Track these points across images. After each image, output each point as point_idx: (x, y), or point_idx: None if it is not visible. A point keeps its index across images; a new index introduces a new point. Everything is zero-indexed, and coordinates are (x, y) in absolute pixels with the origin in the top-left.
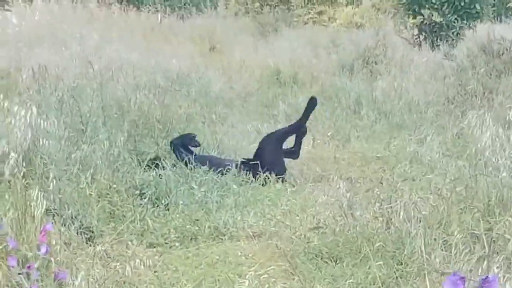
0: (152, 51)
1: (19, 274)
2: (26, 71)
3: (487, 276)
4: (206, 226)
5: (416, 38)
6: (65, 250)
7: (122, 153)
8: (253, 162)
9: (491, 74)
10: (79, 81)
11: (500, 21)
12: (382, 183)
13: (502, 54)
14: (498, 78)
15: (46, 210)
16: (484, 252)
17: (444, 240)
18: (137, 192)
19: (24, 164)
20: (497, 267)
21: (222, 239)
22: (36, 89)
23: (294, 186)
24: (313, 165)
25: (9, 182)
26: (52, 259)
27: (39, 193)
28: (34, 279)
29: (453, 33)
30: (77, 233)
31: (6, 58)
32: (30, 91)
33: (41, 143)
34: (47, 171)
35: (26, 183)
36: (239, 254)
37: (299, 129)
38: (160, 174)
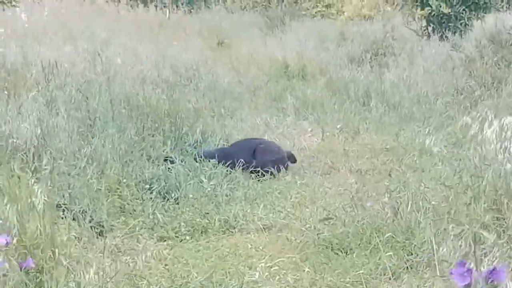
0: (160, 46)
1: None
2: (34, 66)
3: (495, 267)
4: (216, 219)
5: (424, 30)
6: (75, 245)
7: (131, 147)
8: None
9: (499, 64)
10: (87, 76)
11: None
12: (390, 175)
13: (511, 44)
14: (507, 68)
15: (56, 205)
16: (493, 242)
17: (453, 229)
18: (147, 186)
19: (34, 160)
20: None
21: (232, 232)
22: (45, 85)
23: (303, 179)
24: (322, 157)
25: (18, 177)
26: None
27: (41, 187)
28: None
29: (461, 24)
30: (88, 228)
31: (14, 54)
32: (39, 87)
33: (50, 138)
34: (56, 166)
35: (36, 178)
36: (249, 246)
37: None
38: (169, 168)
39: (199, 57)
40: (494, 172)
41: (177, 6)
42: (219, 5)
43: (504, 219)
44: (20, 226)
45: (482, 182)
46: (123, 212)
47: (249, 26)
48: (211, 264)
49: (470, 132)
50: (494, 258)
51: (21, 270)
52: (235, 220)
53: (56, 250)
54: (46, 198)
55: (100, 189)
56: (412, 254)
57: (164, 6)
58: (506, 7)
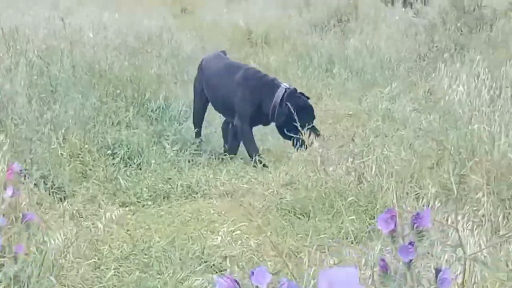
0: (123, 13)
1: None
2: None
3: (418, 212)
4: (179, 185)
5: None
6: (36, 211)
7: (94, 113)
8: None
9: (462, 31)
10: (49, 42)
11: None
12: (354, 140)
13: (474, 10)
14: (470, 34)
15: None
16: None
17: (417, 194)
18: (109, 152)
19: None
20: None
21: (194, 197)
22: (5, 51)
23: (266, 144)
24: None
25: None
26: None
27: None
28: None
29: None
30: (49, 193)
31: None
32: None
33: (10, 104)
34: (18, 131)
35: None
36: (212, 211)
37: None
38: (132, 133)
39: (162, 24)
40: (458, 135)
41: None
42: None
43: (466, 182)
44: None
45: (447, 145)
46: (85, 177)
47: None
48: (173, 229)
49: (434, 96)
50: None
51: (22, 222)
52: (198, 186)
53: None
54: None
55: (62, 154)
56: (374, 218)
57: None
58: None
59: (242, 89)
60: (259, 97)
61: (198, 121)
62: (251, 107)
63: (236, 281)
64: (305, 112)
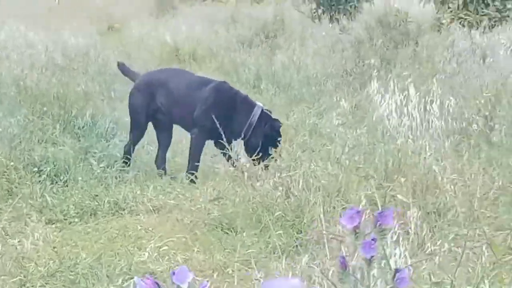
0: (50, 31)
1: None
2: None
3: (382, 211)
4: (106, 201)
5: (314, 12)
6: None
7: (20, 130)
8: None
9: (388, 46)
10: None
11: None
12: (280, 155)
13: (399, 25)
14: (396, 49)
15: None
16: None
17: (344, 208)
18: (36, 169)
19: None
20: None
21: (121, 213)
22: None
23: None
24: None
25: None
26: None
27: None
28: None
29: (350, 6)
30: None
31: None
32: None
33: None
34: None
35: None
36: (139, 228)
37: None
38: (59, 150)
39: (89, 42)
40: (385, 150)
41: None
42: None
43: (393, 197)
44: None
45: (373, 159)
46: (11, 195)
47: (140, 10)
48: (100, 246)
49: (361, 112)
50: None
51: None
52: (125, 202)
53: None
54: None
55: None
56: (301, 232)
57: None
58: None
59: (211, 101)
60: (231, 112)
61: (138, 138)
62: (217, 120)
63: (156, 282)
64: (278, 134)
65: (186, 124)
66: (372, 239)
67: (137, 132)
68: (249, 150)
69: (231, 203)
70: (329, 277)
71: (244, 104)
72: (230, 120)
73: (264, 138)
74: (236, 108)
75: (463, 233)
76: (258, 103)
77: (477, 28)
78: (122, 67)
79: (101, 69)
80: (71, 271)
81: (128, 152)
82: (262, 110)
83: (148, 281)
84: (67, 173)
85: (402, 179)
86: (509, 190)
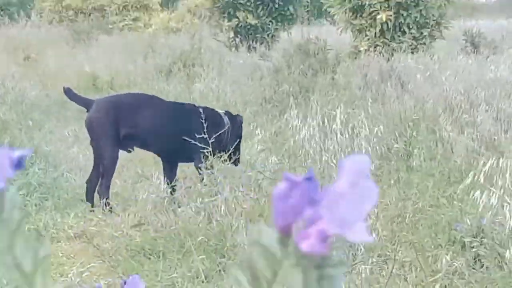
0: None
1: None
2: None
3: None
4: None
5: (232, 41)
6: None
7: None
8: None
9: (306, 74)
10: None
11: (312, 25)
12: (202, 180)
13: (317, 53)
14: (315, 77)
15: None
16: None
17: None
18: None
19: None
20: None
21: None
22: None
23: (113, 188)
24: (132, 166)
25: None
26: None
27: None
28: None
29: (268, 35)
30: None
31: None
32: None
33: None
34: None
35: None
36: (61, 255)
37: None
38: None
39: (5, 72)
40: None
41: None
42: (25, 19)
43: None
44: None
45: None
46: None
47: (57, 40)
48: None
49: (281, 138)
50: None
51: None
52: (46, 229)
53: None
54: None
55: None
56: (224, 257)
57: None
58: (308, 21)
59: (215, 127)
60: (221, 128)
61: (110, 166)
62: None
63: None
64: (241, 126)
65: (170, 153)
66: None
67: (112, 160)
68: (223, 148)
69: (153, 229)
70: None
71: (220, 117)
72: (221, 134)
73: (235, 134)
74: (220, 124)
75: (385, 255)
76: (217, 110)
77: (393, 55)
78: (69, 93)
79: (18, 98)
80: None
81: (90, 189)
82: (225, 113)
83: None
84: None
85: None
86: (428, 213)
